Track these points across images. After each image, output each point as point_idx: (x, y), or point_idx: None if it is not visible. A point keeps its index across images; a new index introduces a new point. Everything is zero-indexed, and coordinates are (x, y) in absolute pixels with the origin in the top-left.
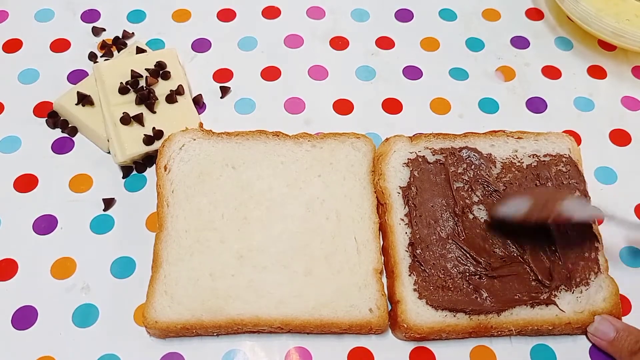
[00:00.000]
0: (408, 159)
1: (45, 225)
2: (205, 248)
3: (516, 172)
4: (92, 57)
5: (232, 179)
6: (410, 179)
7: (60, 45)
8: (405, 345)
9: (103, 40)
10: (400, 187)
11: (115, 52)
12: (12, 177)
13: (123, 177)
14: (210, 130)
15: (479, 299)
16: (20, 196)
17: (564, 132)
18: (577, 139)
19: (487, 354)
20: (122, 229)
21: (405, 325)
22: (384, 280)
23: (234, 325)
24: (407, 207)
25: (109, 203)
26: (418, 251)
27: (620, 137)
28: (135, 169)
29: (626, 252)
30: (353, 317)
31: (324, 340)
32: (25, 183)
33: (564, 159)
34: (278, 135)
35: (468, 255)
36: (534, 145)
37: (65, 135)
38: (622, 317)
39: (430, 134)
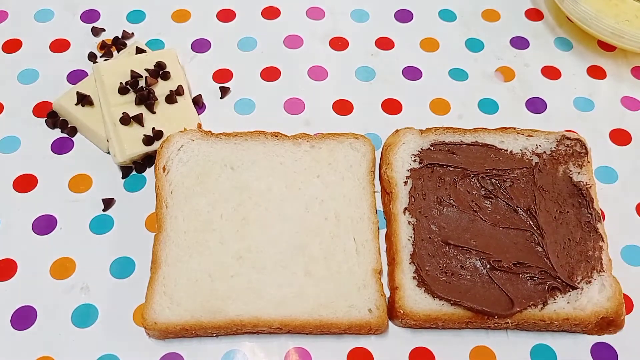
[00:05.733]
0: (417, 150)
1: (44, 225)
2: (204, 249)
3: (524, 168)
4: (92, 57)
5: (231, 179)
6: (417, 169)
7: (60, 46)
8: (404, 346)
9: (103, 41)
10: (407, 177)
11: (115, 53)
12: (11, 177)
13: (122, 178)
14: (209, 131)
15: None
16: (19, 196)
17: (566, 132)
18: None
19: (486, 354)
20: (121, 229)
21: (402, 312)
22: (384, 280)
23: (234, 326)
24: (412, 197)
25: (108, 203)
26: (420, 240)
27: (620, 137)
28: (134, 169)
29: (629, 251)
30: (352, 317)
31: (323, 340)
32: (25, 183)
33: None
34: (277, 136)
35: (470, 247)
36: (544, 143)
37: (65, 135)
38: (625, 316)
39: (440, 127)
